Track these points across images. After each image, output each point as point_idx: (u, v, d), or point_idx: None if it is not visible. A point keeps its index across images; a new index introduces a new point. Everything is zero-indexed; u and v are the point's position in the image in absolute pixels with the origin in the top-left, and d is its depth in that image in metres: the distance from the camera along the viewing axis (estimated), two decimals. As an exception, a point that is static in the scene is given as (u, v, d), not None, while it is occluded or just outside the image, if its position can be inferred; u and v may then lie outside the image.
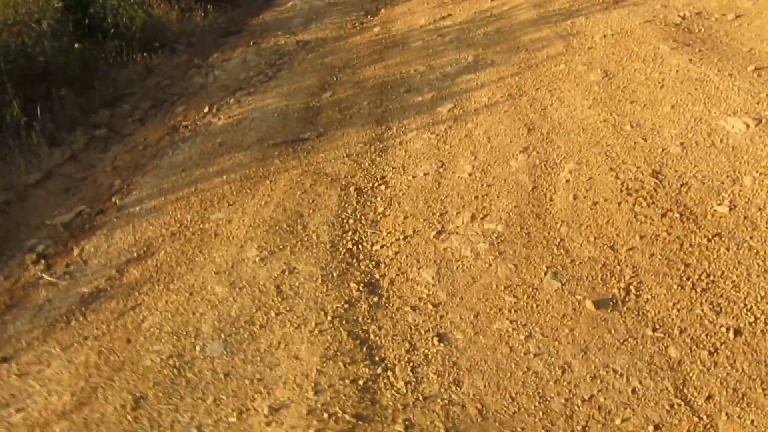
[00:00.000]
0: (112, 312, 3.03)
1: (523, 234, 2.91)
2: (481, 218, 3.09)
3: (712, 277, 2.47)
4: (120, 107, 6.04)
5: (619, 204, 2.96)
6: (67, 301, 3.23)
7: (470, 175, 3.49)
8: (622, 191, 3.04)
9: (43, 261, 3.70)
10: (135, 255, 3.48)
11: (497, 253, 2.83)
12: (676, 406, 2.01)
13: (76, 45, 5.71)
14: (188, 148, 4.73)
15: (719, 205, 2.81)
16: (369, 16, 7.61)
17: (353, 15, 7.79)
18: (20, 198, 4.60)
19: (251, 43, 7.31)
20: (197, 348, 2.64)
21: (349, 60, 6.01)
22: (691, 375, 2.11)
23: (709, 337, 2.22)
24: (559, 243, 2.82)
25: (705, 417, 1.96)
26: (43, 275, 3.50)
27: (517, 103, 4.19)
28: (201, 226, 3.58)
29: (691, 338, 2.24)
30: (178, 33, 7.86)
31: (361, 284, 2.82)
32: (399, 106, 4.66)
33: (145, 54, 6.98)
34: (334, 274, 2.91)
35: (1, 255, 3.95)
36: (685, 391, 2.06)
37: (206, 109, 5.52)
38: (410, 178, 3.62)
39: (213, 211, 3.72)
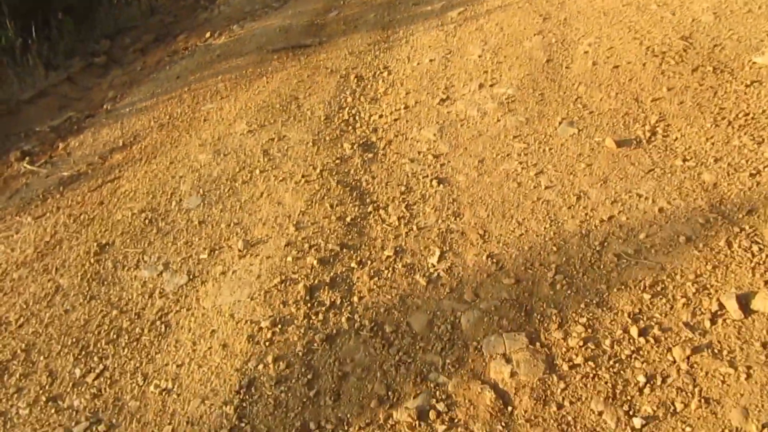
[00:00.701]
0: (90, 188, 2.81)
1: (536, 94, 2.63)
2: (490, 86, 2.80)
3: (751, 116, 2.16)
4: (121, 40, 5.84)
5: (644, 64, 2.66)
6: (45, 184, 3.02)
7: (480, 56, 3.21)
8: (647, 54, 2.74)
9: (27, 158, 3.49)
10: (120, 144, 3.26)
11: (506, 110, 2.55)
12: (711, 220, 1.72)
13: (76, -29, 5.51)
14: (185, 62, 4.51)
15: (759, 56, 2.49)
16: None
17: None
18: (11, 112, 4.41)
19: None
20: (173, 203, 2.39)
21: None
22: (729, 194, 1.81)
23: (749, 163, 1.92)
24: (576, 100, 2.52)
25: (747, 227, 1.66)
26: (25, 165, 3.29)
27: (532, 0, 3.89)
28: (191, 115, 3.35)
29: (729, 165, 1.94)
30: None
31: (356, 145, 2.55)
32: (407, 15, 4.38)
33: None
34: (327, 139, 2.65)
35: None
36: (723, 207, 1.76)
37: (207, 35, 5.29)
38: (415, 64, 3.35)
39: (205, 103, 3.48)
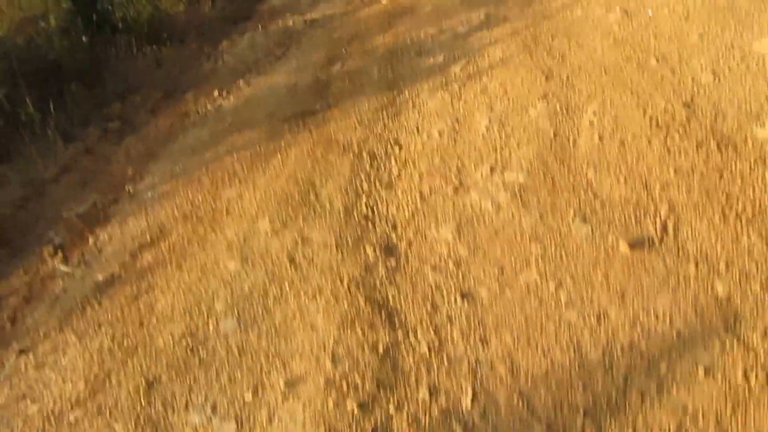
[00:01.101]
0: (126, 297, 2.91)
1: (547, 181, 2.69)
2: (501, 169, 2.86)
3: (758, 205, 2.22)
4: (131, 99, 5.93)
5: (649, 140, 2.71)
6: (82, 290, 3.12)
7: (487, 128, 3.26)
8: (651, 126, 2.78)
9: (60, 253, 3.61)
10: (148, 239, 3.36)
11: (520, 203, 2.61)
12: (728, 346, 1.79)
13: (84, 38, 5.60)
14: (198, 131, 4.59)
15: (760, 128, 2.54)
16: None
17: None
18: (38, 193, 4.54)
19: (259, 27, 7.14)
20: (210, 326, 2.49)
21: (357, 32, 5.80)
22: (743, 311, 1.87)
23: (760, 269, 1.98)
24: (587, 186, 2.58)
25: (763, 354, 1.73)
26: (60, 266, 3.40)
27: (533, 53, 3.93)
28: (212, 205, 3.44)
29: (740, 272, 2.00)
30: (186, 24, 7.73)
31: (378, 248, 2.63)
32: (410, 70, 4.43)
33: (154, 46, 6.86)
34: (349, 240, 2.73)
35: (21, 249, 3.88)
36: (737, 328, 1.82)
37: (216, 94, 5.37)
38: (425, 138, 3.41)
39: (224, 188, 3.57)
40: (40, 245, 3.80)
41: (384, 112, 3.89)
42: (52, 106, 5.14)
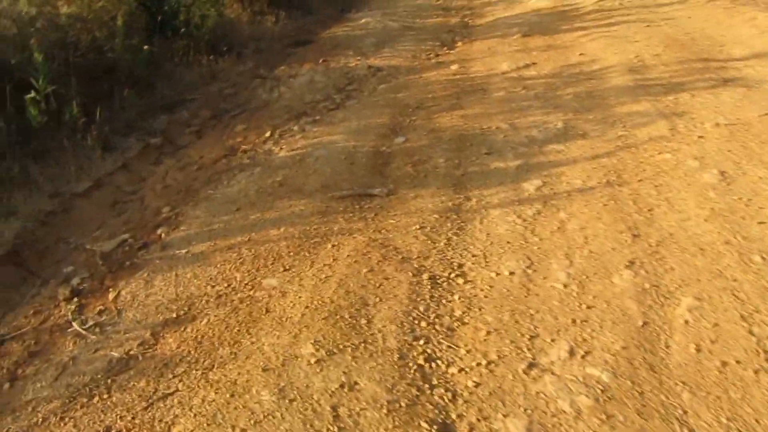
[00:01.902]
0: (140, 396, 2.51)
1: (635, 392, 2.31)
2: (582, 356, 2.49)
3: None
4: (179, 113, 5.55)
5: (756, 373, 2.34)
6: (93, 366, 2.72)
7: (565, 286, 2.89)
8: (759, 353, 2.41)
9: (75, 299, 3.21)
10: (174, 315, 2.96)
11: (603, 415, 2.23)
12: None
13: (146, 47, 5.22)
14: (245, 181, 4.20)
15: None
16: (445, 48, 7.03)
17: (428, 44, 7.21)
18: (65, 209, 4.15)
19: (320, 61, 6.78)
20: (234, 482, 2.10)
21: (423, 100, 5.44)
22: None
23: None
24: (681, 416, 2.21)
25: None
26: (73, 323, 3.00)
27: (617, 196, 3.56)
28: (251, 293, 3.05)
29: None
30: (246, 37, 7.37)
31: (434, 426, 2.24)
32: (479, 170, 4.06)
33: (211, 57, 6.50)
34: (402, 403, 2.34)
35: (36, 275, 3.50)
36: None
37: (267, 134, 4.99)
38: (493, 274, 3.03)
39: (266, 274, 3.18)
40: (56, 279, 3.42)
41: (449, 221, 3.51)
42: (98, 112, 4.75)
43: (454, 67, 6.23)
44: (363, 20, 8.24)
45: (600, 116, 4.66)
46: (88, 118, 4.82)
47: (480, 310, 2.81)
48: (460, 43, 7.21)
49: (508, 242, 3.28)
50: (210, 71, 6.35)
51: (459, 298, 2.89)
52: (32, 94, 4.54)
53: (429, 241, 3.34)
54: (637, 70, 5.49)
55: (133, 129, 5.11)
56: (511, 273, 3.03)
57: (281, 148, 4.68)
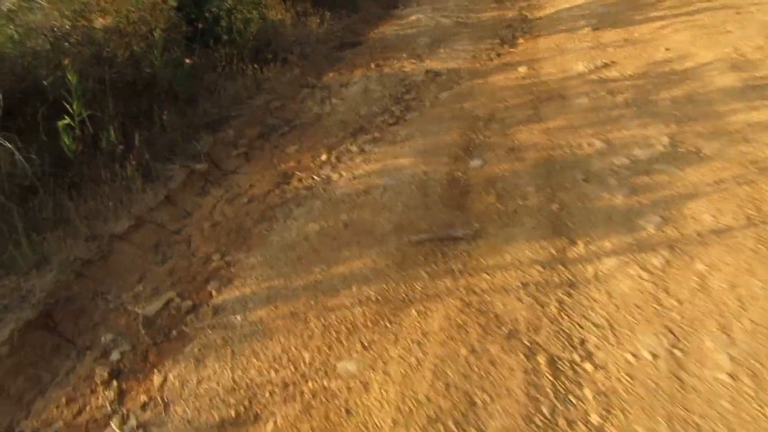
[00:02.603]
0: None
1: None
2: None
3: None
4: (224, 131, 4.91)
5: None
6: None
7: (733, 378, 2.15)
8: None
9: (115, 383, 2.61)
10: (233, 413, 2.33)
11: None
12: None
13: (187, 60, 4.58)
14: (303, 218, 3.54)
15: None
16: (506, 46, 6.21)
17: (487, 42, 6.40)
18: (103, 255, 3.54)
19: (372, 65, 6.05)
20: None
21: (494, 110, 4.67)
22: None
23: None
24: None
25: None
26: (112, 423, 2.39)
27: (762, 235, 2.78)
28: (325, 382, 2.39)
29: None
30: (291, 41, 6.68)
31: None
32: (579, 203, 3.31)
33: (255, 65, 5.83)
34: None
35: (71, 342, 2.91)
36: None
37: (323, 156, 4.32)
38: (629, 357, 2.30)
39: (341, 353, 2.51)
40: (94, 351, 2.82)
41: (555, 275, 2.79)
42: (137, 137, 4.14)
43: (522, 69, 5.43)
44: (413, 17, 7.46)
45: (711, 128, 3.83)
46: (126, 142, 4.22)
47: (624, 414, 2.09)
48: (521, 40, 6.39)
49: (637, 307, 2.54)
50: (254, 81, 5.69)
51: (592, 396, 2.17)
52: (66, 119, 3.95)
53: (536, 305, 2.62)
54: (740, 67, 4.62)
55: (174, 153, 4.49)
56: (654, 355, 2.30)
57: (341, 175, 3.99)
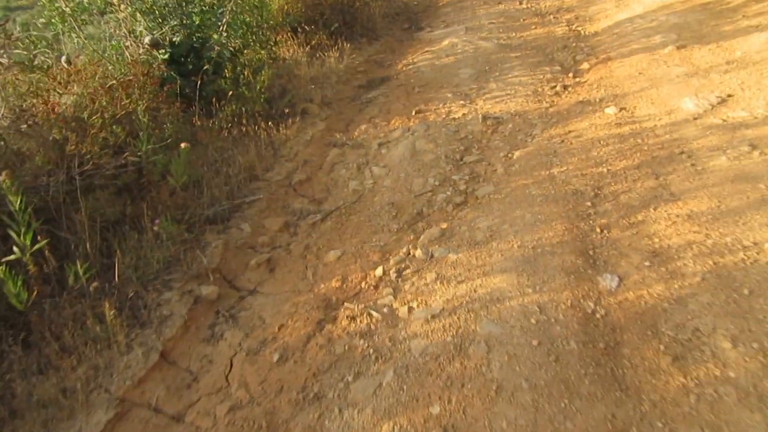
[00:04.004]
0: None
1: None
2: None
3: None
4: (236, 228, 3.52)
5: None
6: None
7: None
8: None
9: None
10: None
11: None
12: None
13: (183, 145, 3.17)
14: (370, 410, 2.13)
15: None
16: (570, 75, 4.77)
17: (545, 69, 4.96)
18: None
19: (412, 111, 4.63)
20: None
21: (598, 179, 3.25)
22: None
23: None
24: None
25: None
26: None
27: None
28: None
29: None
30: (308, 83, 5.25)
31: None
32: None
33: (270, 123, 4.42)
34: None
35: None
36: None
37: (378, 270, 2.92)
38: None
39: None
40: None
41: None
42: (117, 261, 2.77)
43: (610, 110, 3.99)
44: (445, 41, 6.01)
45: None
46: (104, 270, 2.86)
47: None
48: (586, 65, 4.94)
49: None
50: (270, 146, 4.28)
51: None
52: (15, 253, 2.58)
53: None
54: None
55: (171, 272, 3.10)
56: None
57: (410, 308, 2.59)
